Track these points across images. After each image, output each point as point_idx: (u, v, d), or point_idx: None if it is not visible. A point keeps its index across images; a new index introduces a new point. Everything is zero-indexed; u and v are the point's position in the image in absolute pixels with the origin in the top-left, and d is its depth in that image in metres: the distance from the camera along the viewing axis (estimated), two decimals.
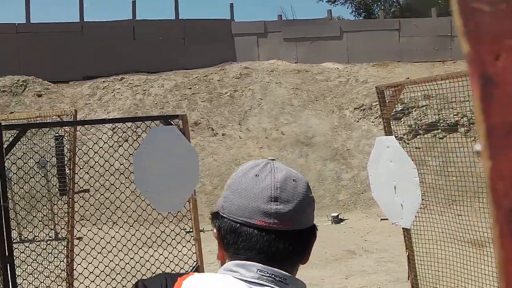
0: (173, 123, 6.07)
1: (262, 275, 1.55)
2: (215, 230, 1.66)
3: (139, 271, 5.88)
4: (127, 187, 5.99)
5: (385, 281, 9.97)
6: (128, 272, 5.92)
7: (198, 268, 6.14)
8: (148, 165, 5.70)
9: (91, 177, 5.76)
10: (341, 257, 11.98)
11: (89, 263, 5.68)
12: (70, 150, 5.73)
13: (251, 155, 19.64)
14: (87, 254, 5.71)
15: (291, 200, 1.60)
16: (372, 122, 21.16)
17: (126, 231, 6.09)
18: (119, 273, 5.86)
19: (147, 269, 5.90)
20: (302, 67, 24.73)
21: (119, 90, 22.51)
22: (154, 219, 6.01)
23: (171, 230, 6.23)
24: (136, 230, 6.24)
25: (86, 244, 5.81)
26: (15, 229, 5.82)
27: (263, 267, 1.56)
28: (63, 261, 5.82)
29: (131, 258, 6.00)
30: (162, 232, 6.27)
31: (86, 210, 6.12)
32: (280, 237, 1.58)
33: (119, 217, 6.28)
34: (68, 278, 5.75)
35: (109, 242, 5.92)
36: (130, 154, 5.75)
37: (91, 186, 6.22)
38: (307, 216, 1.66)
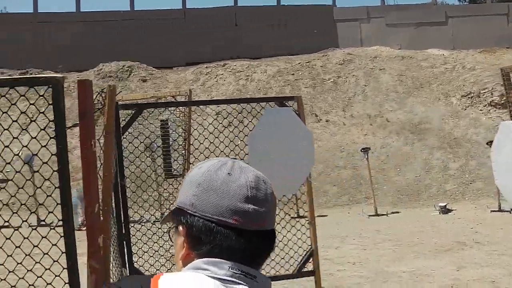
0: (287, 104, 5.94)
1: (234, 272, 1.53)
2: (181, 228, 1.60)
3: None
4: None
5: (500, 275, 9.53)
6: None
7: (313, 252, 6.00)
8: (263, 146, 5.59)
9: (206, 157, 5.70)
10: (451, 248, 11.57)
11: None
12: (186, 130, 5.70)
13: (355, 141, 19.37)
14: None
15: (265, 200, 1.59)
16: (481, 110, 20.45)
17: None
18: None
19: None
20: (406, 53, 24.15)
21: (222, 76, 22.65)
22: None
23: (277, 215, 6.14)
24: None
25: None
26: (131, 208, 5.84)
27: (234, 264, 1.54)
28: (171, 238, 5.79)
29: None
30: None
31: None
32: (256, 236, 1.57)
33: None
34: None
35: None
36: (243, 137, 5.66)
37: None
38: (274, 216, 1.66)
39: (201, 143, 5.44)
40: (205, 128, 5.65)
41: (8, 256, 3.36)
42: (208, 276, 1.52)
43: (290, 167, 5.69)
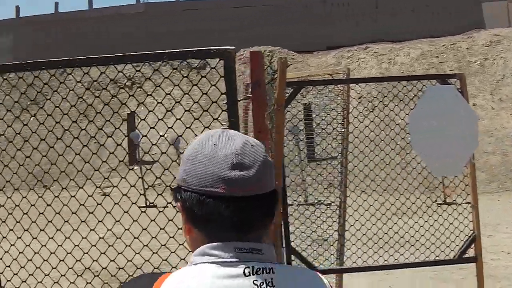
0: (450, 82, 5.67)
1: (240, 252, 1.56)
2: (178, 204, 1.65)
3: (414, 237, 5.59)
4: (377, 155, 5.69)
5: None
6: (398, 240, 5.67)
7: (475, 238, 5.71)
8: (425, 125, 5.37)
9: (356, 142, 5.55)
10: None
11: (358, 230, 5.53)
12: (344, 109, 5.57)
13: (504, 126, 18.54)
14: (356, 220, 5.58)
15: (253, 165, 1.58)
16: None
17: (375, 200, 5.87)
18: (392, 238, 5.64)
19: (422, 236, 5.62)
20: None
21: (364, 59, 22.33)
22: (406, 188, 5.74)
23: (417, 199, 5.91)
24: (386, 200, 5.97)
25: (354, 211, 5.65)
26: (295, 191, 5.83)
27: (238, 244, 1.57)
28: (335, 221, 5.73)
29: (395, 225, 5.73)
30: (406, 200, 5.95)
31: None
32: (247, 202, 1.57)
33: (367, 185, 6.06)
34: (340, 238, 5.67)
35: (357, 210, 5.69)
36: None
37: (346, 152, 6.00)
38: (269, 179, 1.63)
39: (361, 122, 5.30)
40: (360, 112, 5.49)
41: (160, 229, 3.35)
42: (214, 262, 1.56)
43: (453, 147, 5.43)
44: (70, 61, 3.26)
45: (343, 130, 5.53)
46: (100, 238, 3.43)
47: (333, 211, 5.81)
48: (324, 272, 5.64)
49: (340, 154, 5.63)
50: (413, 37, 23.41)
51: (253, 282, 1.55)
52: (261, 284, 1.55)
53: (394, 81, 5.50)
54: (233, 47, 3.05)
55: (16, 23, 31.53)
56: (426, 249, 5.58)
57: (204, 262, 1.58)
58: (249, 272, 1.55)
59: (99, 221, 3.34)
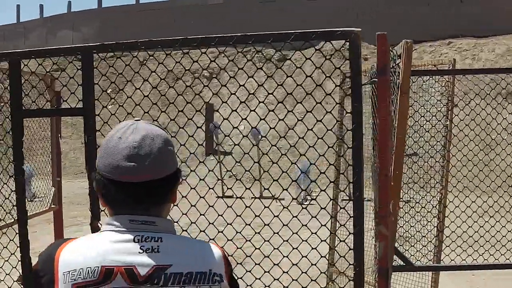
0: None
1: (134, 223, 1.93)
2: (95, 184, 2.02)
3: None
4: (482, 149, 5.47)
5: None
6: (500, 239, 5.45)
7: None
8: None
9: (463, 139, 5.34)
10: None
11: (458, 227, 5.33)
12: (450, 100, 5.39)
13: None
14: (457, 216, 5.38)
15: (147, 156, 1.91)
16: None
17: (478, 197, 5.65)
18: (494, 236, 5.43)
19: None
20: None
21: (446, 55, 21.84)
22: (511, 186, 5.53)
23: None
24: (489, 197, 5.74)
25: (456, 207, 5.45)
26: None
27: (133, 216, 1.93)
28: (435, 216, 5.58)
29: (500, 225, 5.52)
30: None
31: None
32: (141, 187, 1.92)
33: (470, 181, 5.84)
34: (439, 234, 5.52)
35: (459, 206, 5.49)
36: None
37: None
38: (166, 166, 1.97)
39: (462, 119, 5.10)
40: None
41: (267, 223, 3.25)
42: (113, 230, 1.93)
43: None
44: (187, 40, 3.15)
45: (447, 123, 5.34)
46: (192, 222, 3.34)
47: (434, 207, 5.64)
48: (421, 269, 5.47)
49: (443, 147, 5.44)
50: (498, 32, 22.69)
51: (140, 248, 1.89)
52: (147, 249, 1.89)
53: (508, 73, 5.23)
54: (359, 29, 2.93)
55: (99, 12, 32.17)
56: None
57: (106, 230, 1.95)
58: (138, 239, 1.91)
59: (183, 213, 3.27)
